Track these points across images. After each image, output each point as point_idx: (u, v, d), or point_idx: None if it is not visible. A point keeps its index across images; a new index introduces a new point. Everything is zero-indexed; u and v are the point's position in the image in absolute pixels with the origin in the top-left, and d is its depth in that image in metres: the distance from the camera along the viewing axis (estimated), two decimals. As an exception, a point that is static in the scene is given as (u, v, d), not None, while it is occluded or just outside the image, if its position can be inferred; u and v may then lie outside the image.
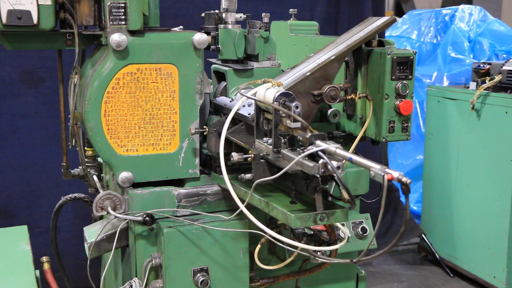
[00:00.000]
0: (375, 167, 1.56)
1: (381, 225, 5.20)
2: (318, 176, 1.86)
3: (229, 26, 2.65)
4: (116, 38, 2.26)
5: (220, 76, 2.74)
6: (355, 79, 2.61)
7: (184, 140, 2.45)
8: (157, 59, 2.36)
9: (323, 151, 1.79)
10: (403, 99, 2.47)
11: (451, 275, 4.94)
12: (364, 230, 2.56)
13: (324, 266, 2.48)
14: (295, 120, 1.95)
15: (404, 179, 1.48)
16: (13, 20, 2.26)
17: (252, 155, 2.06)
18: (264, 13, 2.63)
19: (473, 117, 4.53)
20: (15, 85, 3.99)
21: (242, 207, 2.08)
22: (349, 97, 2.52)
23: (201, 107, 2.46)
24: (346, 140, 2.74)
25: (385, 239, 5.08)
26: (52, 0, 2.29)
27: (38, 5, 2.28)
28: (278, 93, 2.02)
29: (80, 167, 2.82)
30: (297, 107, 1.96)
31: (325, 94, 2.40)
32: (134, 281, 2.39)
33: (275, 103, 2.01)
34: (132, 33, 2.32)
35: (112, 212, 2.35)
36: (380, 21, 2.53)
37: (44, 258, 2.67)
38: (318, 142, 1.83)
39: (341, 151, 1.76)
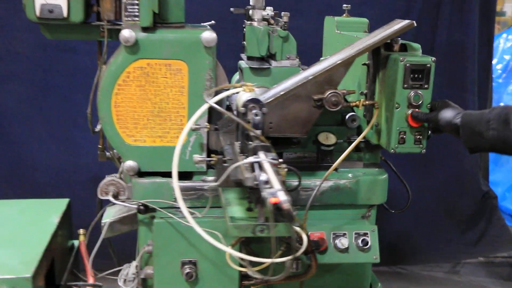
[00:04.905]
0: (267, 188, 1.51)
1: (472, 234, 4.84)
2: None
3: (255, 23, 2.65)
4: (125, 34, 2.37)
5: (245, 73, 2.75)
6: (373, 84, 2.49)
7: (192, 135, 2.51)
8: (167, 55, 2.43)
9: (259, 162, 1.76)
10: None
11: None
12: (364, 242, 2.43)
13: (311, 273, 2.40)
14: (257, 128, 1.93)
15: (284, 205, 1.42)
16: (45, 13, 2.46)
17: (215, 159, 2.07)
18: (283, 12, 2.58)
19: None
20: None
21: (190, 219, 2.10)
22: (353, 104, 2.41)
23: (213, 103, 2.50)
24: (366, 147, 2.63)
25: (475, 249, 4.74)
26: None
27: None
28: (247, 99, 2.01)
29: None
30: (256, 115, 1.93)
31: (326, 99, 2.32)
32: (132, 264, 2.54)
33: (242, 108, 2.00)
34: (144, 29, 2.42)
35: (111, 199, 2.49)
36: (398, 25, 2.37)
37: (81, 231, 2.90)
38: (260, 153, 1.80)
39: (270, 171, 1.70)
